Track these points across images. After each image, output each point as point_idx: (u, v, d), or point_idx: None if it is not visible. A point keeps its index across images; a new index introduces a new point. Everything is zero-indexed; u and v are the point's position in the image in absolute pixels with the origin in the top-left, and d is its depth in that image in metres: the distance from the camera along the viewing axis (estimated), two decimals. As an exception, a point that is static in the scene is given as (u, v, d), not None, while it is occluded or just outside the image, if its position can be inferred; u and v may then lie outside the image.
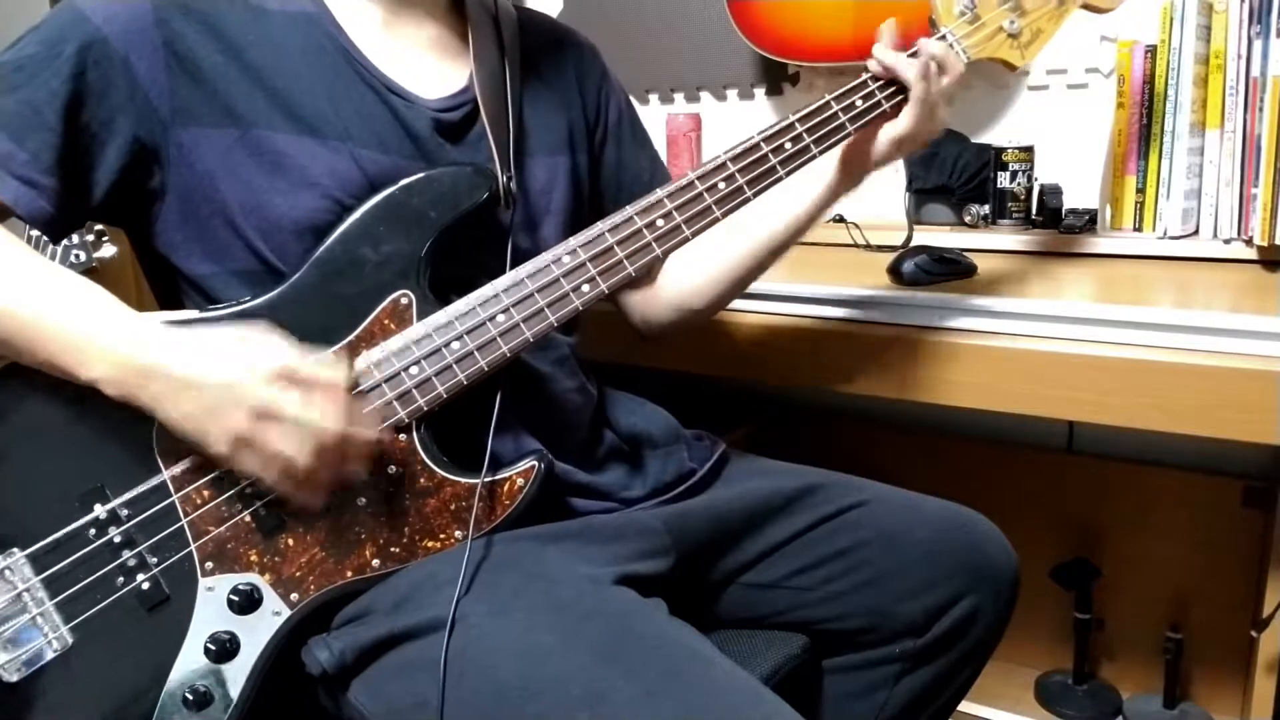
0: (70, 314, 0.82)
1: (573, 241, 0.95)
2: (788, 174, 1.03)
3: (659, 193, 0.98)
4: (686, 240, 0.98)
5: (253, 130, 0.91)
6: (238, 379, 0.80)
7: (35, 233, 0.91)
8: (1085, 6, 1.17)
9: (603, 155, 1.17)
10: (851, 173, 1.12)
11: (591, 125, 1.15)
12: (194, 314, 0.89)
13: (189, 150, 0.91)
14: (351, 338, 0.90)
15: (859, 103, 1.06)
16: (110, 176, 0.90)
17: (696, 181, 0.99)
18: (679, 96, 2.08)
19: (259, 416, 0.81)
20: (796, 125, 1.03)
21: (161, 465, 0.85)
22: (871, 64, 1.07)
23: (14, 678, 0.83)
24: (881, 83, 1.07)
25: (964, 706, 1.23)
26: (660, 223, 0.97)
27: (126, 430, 0.84)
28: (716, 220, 1.00)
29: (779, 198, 1.11)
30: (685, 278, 1.18)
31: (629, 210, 0.97)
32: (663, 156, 1.83)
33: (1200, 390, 1.08)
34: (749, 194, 1.01)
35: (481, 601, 0.86)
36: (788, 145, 1.02)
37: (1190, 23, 1.41)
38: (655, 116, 2.00)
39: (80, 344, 0.81)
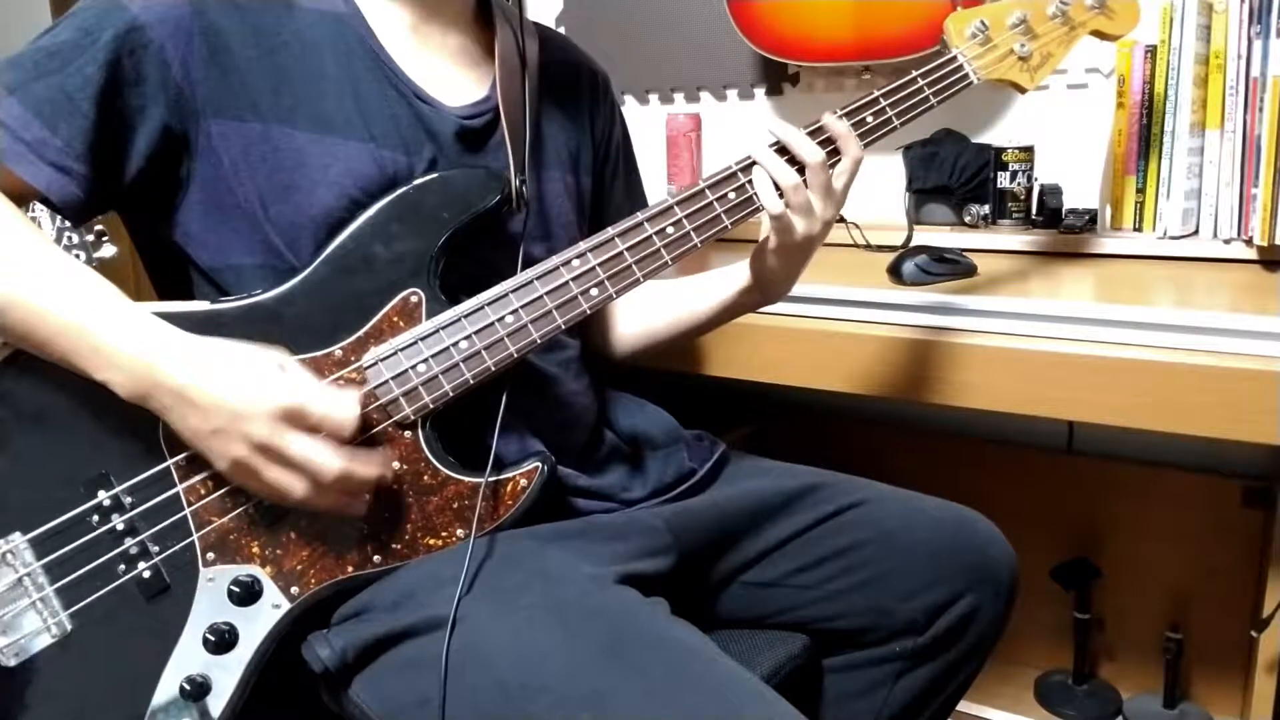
0: (86, 315, 0.82)
1: (583, 246, 0.95)
2: None
3: (669, 200, 0.98)
4: (696, 248, 0.98)
5: (277, 126, 0.92)
6: (245, 409, 0.80)
7: (43, 214, 0.91)
8: (1094, 33, 1.18)
9: (601, 182, 1.18)
10: (760, 279, 1.09)
11: (595, 152, 1.17)
12: (204, 305, 0.89)
13: (217, 141, 0.91)
14: (361, 333, 0.90)
15: (870, 120, 1.04)
16: (139, 164, 0.90)
17: (707, 190, 0.99)
18: (679, 96, 2.08)
19: (260, 449, 0.81)
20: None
21: (167, 454, 0.86)
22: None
23: (12, 663, 0.84)
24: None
25: (964, 706, 1.24)
26: (670, 230, 0.97)
27: (133, 418, 0.84)
28: (726, 229, 0.99)
29: (702, 287, 1.15)
30: (616, 327, 1.22)
31: (639, 216, 0.96)
32: (663, 157, 1.85)
33: (1200, 390, 1.08)
34: (759, 204, 1.00)
35: (483, 600, 0.86)
36: None
37: (1190, 23, 1.41)
38: (655, 116, 2.01)
39: (95, 347, 0.81)
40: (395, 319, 0.91)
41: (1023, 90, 1.15)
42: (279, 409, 0.80)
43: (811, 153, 0.98)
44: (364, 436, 0.88)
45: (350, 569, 0.90)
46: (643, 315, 1.20)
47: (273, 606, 0.88)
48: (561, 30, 2.06)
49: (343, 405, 0.84)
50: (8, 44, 0.89)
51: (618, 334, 1.22)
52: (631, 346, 1.22)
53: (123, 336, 0.82)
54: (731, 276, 1.13)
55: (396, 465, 0.90)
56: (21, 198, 0.87)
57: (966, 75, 1.09)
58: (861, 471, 1.18)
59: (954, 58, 1.10)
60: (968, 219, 1.67)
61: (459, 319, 0.91)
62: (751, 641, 1.11)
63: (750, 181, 0.99)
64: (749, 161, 1.00)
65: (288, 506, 0.86)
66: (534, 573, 0.90)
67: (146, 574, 0.85)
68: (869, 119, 1.05)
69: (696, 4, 1.98)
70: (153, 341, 0.82)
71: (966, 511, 1.13)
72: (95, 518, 0.85)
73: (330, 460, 0.82)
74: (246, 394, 0.81)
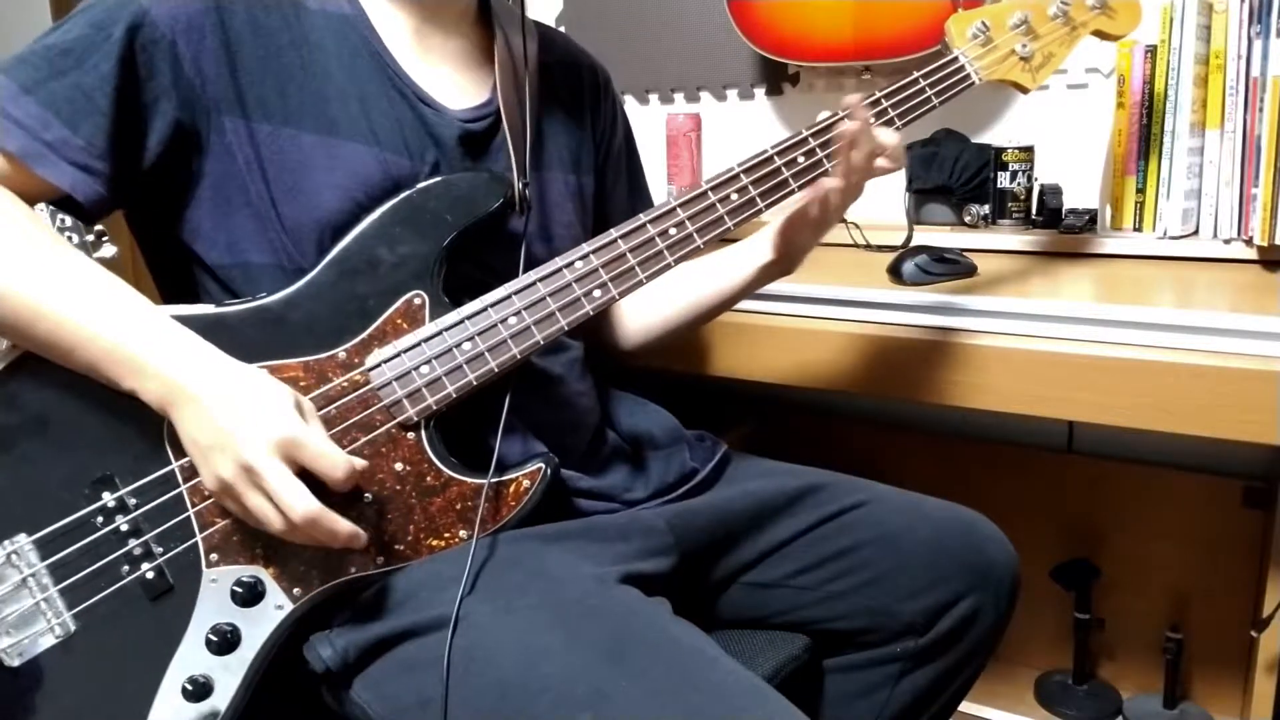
0: (120, 326, 0.82)
1: (585, 247, 0.95)
2: (800, 188, 1.02)
3: (672, 201, 0.98)
4: (700, 250, 0.99)
5: (284, 128, 0.92)
6: (244, 434, 0.80)
7: (42, 214, 0.91)
8: (1096, 33, 1.18)
9: (603, 181, 1.19)
10: (786, 252, 1.12)
11: (596, 151, 1.17)
12: (210, 308, 0.89)
13: (230, 139, 0.91)
14: (364, 335, 0.90)
15: (871, 120, 1.05)
16: (152, 159, 0.90)
17: (709, 192, 0.99)
18: (679, 96, 2.08)
19: (245, 472, 0.80)
20: (810, 140, 1.02)
21: (171, 455, 0.86)
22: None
23: (16, 663, 0.84)
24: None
25: (964, 706, 1.24)
26: (673, 231, 0.97)
27: (137, 419, 0.84)
28: (729, 230, 1.00)
29: (719, 265, 1.15)
30: (626, 322, 1.22)
31: (642, 218, 0.97)
32: (663, 157, 1.84)
33: (1200, 390, 1.09)
34: (761, 205, 1.00)
35: (485, 600, 0.86)
36: (800, 159, 1.02)
37: (1190, 23, 1.42)
38: (655, 116, 2.00)
39: (128, 358, 0.81)
40: (399, 321, 0.91)
41: (1025, 90, 1.16)
42: (277, 438, 0.80)
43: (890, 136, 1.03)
44: (366, 439, 0.89)
45: (353, 570, 0.90)
46: (652, 307, 1.20)
47: (275, 607, 0.88)
48: (561, 30, 2.06)
49: (339, 457, 0.83)
50: (8, 44, 0.89)
51: (628, 329, 1.22)
52: (643, 339, 1.22)
53: (154, 348, 0.82)
54: (752, 254, 1.13)
55: (399, 467, 0.90)
56: (35, 199, 0.87)
57: (968, 76, 1.10)
58: (861, 471, 1.18)
59: (956, 58, 1.10)
60: (968, 219, 1.67)
61: (462, 320, 0.91)
62: (752, 642, 1.11)
63: (753, 183, 1.00)
64: (752, 162, 1.00)
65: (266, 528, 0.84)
66: (536, 573, 0.90)
67: (150, 575, 0.86)
68: (870, 119, 1.05)
69: (696, 4, 1.98)
70: (188, 355, 0.82)
71: (967, 512, 1.14)
72: (99, 519, 0.85)
73: (303, 502, 0.80)
74: (255, 418, 0.80)
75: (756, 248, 1.13)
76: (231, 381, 0.82)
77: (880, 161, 1.04)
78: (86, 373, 0.83)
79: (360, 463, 0.85)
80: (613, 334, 1.23)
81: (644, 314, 1.21)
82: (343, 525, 0.83)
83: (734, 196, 0.99)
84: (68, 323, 0.82)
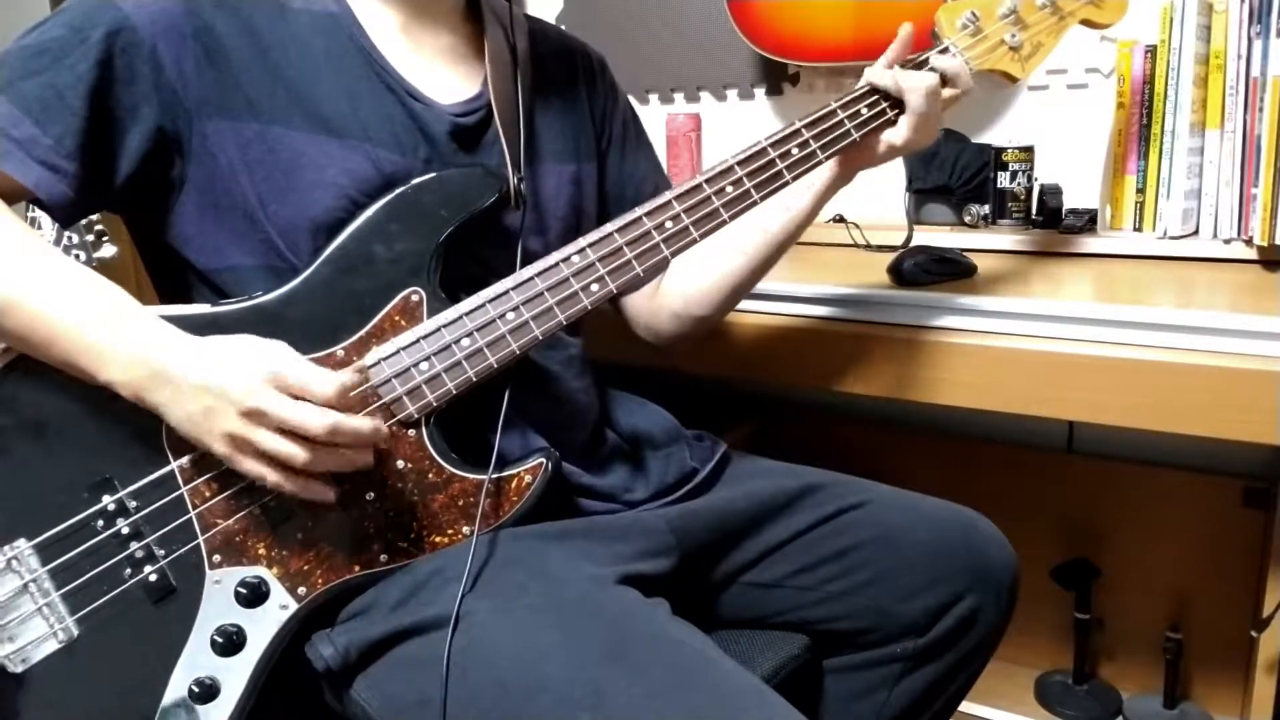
0: (91, 316, 0.82)
1: (582, 241, 0.95)
2: (794, 179, 1.03)
3: (667, 195, 0.98)
4: (695, 242, 0.99)
5: (272, 127, 0.92)
6: (232, 383, 0.80)
7: (43, 215, 0.91)
8: (1084, 22, 1.19)
9: (607, 165, 1.18)
10: (847, 174, 1.13)
11: (598, 135, 1.16)
12: (206, 308, 0.89)
13: (213, 141, 0.91)
14: (362, 333, 0.90)
15: (864, 110, 1.06)
16: (131, 164, 0.90)
17: (705, 184, 0.99)
18: (679, 96, 2.08)
19: (248, 417, 0.81)
20: (803, 131, 1.03)
21: (170, 456, 0.86)
22: (875, 78, 1.07)
23: (19, 669, 0.84)
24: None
25: (964, 706, 1.24)
26: (669, 224, 0.98)
27: (136, 421, 0.84)
28: (724, 223, 1.00)
29: (775, 200, 1.10)
30: (688, 285, 1.18)
31: (638, 211, 0.97)
32: (663, 156, 1.84)
33: (1200, 390, 1.09)
34: (756, 198, 1.01)
35: (485, 599, 0.87)
36: (794, 151, 1.03)
37: (1190, 23, 1.42)
38: (655, 116, 2.00)
39: (100, 348, 0.81)
40: (397, 318, 0.91)
41: (1014, 80, 1.16)
42: (261, 376, 0.81)
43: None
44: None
45: (357, 568, 0.90)
46: (702, 268, 1.16)
47: (280, 607, 0.88)
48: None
49: (321, 375, 0.83)
50: (6, 42, 0.89)
51: (688, 291, 1.17)
52: (699, 304, 1.17)
53: (120, 335, 0.82)
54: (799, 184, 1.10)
55: (401, 464, 0.90)
56: (11, 197, 0.87)
57: (964, 66, 1.10)
58: (861, 471, 1.18)
59: (946, 49, 1.10)
60: (968, 219, 1.67)
61: (460, 317, 0.91)
62: (752, 642, 1.11)
63: (747, 175, 1.01)
64: (747, 154, 1.01)
65: (294, 475, 0.84)
66: (536, 573, 0.90)
67: (153, 577, 0.85)
68: (863, 110, 1.06)
69: (696, 4, 1.99)
70: (150, 337, 0.82)
71: (967, 512, 1.14)
72: (100, 522, 0.85)
73: (317, 417, 0.81)
74: (231, 370, 0.81)
75: (815, 174, 1.09)
76: (196, 347, 0.83)
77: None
78: (65, 368, 0.83)
79: (351, 377, 0.85)
80: (665, 303, 1.18)
81: (695, 277, 1.17)
82: (364, 422, 0.84)
83: (729, 189, 1.00)
84: (38, 314, 0.82)
